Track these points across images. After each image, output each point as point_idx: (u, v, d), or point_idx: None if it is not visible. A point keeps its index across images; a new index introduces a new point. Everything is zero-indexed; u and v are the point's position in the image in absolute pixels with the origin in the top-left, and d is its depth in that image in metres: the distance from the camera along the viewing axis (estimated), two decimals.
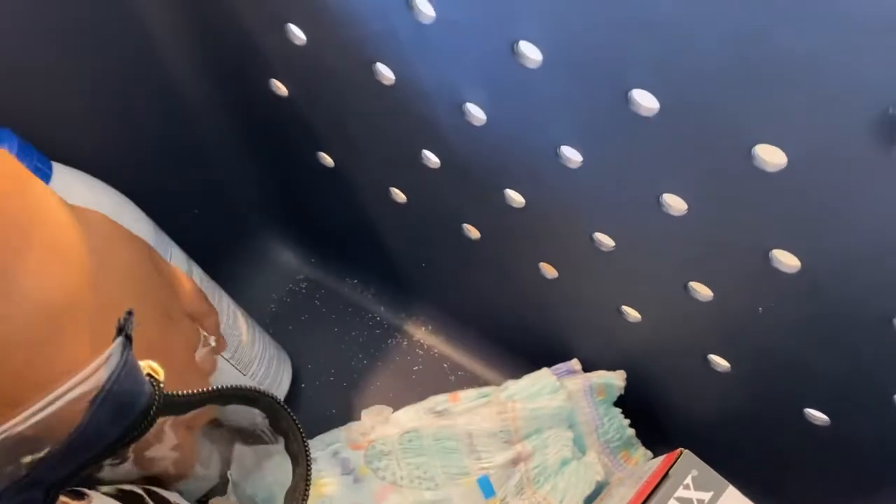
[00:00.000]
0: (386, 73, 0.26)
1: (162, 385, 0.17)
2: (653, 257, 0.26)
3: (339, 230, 0.38)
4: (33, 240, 0.18)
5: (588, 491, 0.30)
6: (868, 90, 0.17)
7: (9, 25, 0.26)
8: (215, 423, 0.24)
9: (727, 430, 0.31)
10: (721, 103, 0.19)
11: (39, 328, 0.18)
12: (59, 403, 0.15)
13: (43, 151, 0.27)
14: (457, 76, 0.24)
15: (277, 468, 0.23)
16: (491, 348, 0.37)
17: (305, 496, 0.22)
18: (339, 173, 0.34)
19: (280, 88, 0.31)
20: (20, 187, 0.18)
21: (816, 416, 0.27)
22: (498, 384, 0.33)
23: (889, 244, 0.20)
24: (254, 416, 0.23)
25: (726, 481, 0.25)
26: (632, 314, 0.29)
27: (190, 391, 0.19)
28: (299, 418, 0.22)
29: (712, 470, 0.25)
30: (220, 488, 0.25)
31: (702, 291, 0.26)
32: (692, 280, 0.26)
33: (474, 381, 0.37)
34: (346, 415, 0.36)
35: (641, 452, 0.33)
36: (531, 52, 0.22)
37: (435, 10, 0.22)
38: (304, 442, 0.22)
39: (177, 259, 0.30)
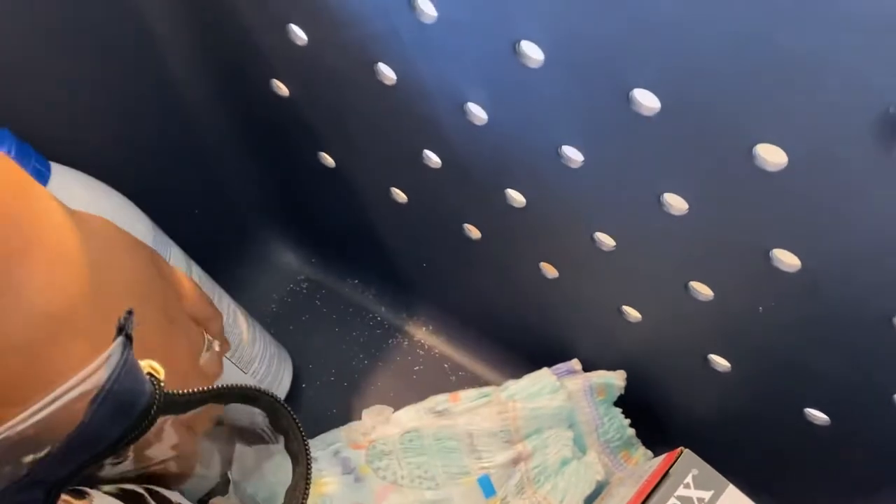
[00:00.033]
0: (387, 72, 0.26)
1: (162, 384, 0.17)
2: (653, 257, 0.26)
3: (339, 230, 0.38)
4: (35, 245, 0.18)
5: (588, 491, 0.30)
6: (869, 90, 0.17)
7: (8, 25, 0.26)
8: (216, 422, 0.24)
9: (727, 430, 0.31)
10: (722, 103, 0.19)
11: (40, 333, 0.18)
12: (59, 403, 0.15)
13: (43, 151, 0.27)
14: (458, 76, 0.24)
15: (278, 467, 0.23)
16: (491, 348, 0.37)
17: (306, 495, 0.22)
18: (340, 173, 0.34)
19: (281, 89, 0.31)
20: (23, 193, 0.18)
21: (816, 415, 0.27)
22: (498, 384, 0.33)
23: (889, 244, 0.20)
24: (254, 415, 0.23)
25: (726, 480, 0.25)
26: (632, 314, 0.29)
27: (190, 390, 0.19)
28: (300, 418, 0.22)
29: (712, 469, 0.25)
30: (221, 488, 0.25)
31: (702, 291, 0.26)
32: (693, 280, 0.26)
33: (475, 381, 0.37)
34: (347, 414, 0.36)
35: (642, 452, 0.33)
36: (532, 52, 0.22)
37: (436, 9, 0.22)
38: (305, 441, 0.22)
39: (176, 259, 0.30)
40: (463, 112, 0.25)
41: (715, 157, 0.21)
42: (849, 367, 0.24)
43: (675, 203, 0.23)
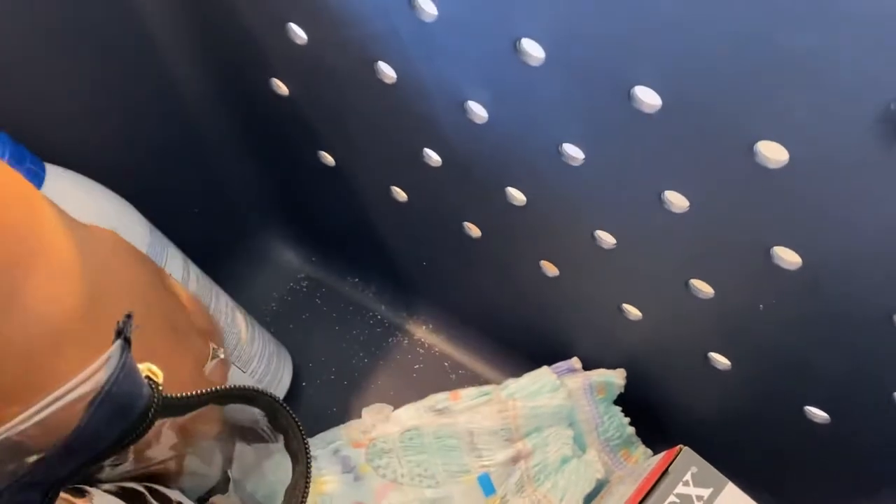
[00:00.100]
0: (387, 71, 0.26)
1: (161, 387, 0.17)
2: (654, 255, 0.26)
3: (339, 229, 0.38)
4: (38, 256, 0.18)
5: (588, 489, 0.30)
6: (870, 87, 0.17)
7: (8, 25, 0.26)
8: (222, 424, 0.24)
9: (727, 428, 0.31)
10: (722, 100, 0.19)
11: (42, 342, 0.18)
12: (58, 404, 0.15)
13: (42, 152, 0.27)
14: (458, 74, 0.24)
15: (278, 466, 0.23)
16: (491, 347, 0.37)
17: (306, 494, 0.22)
18: (340, 172, 0.34)
19: (281, 88, 0.31)
20: (27, 204, 0.18)
21: (817, 414, 0.27)
22: (498, 382, 0.33)
23: (890, 242, 0.20)
24: (254, 414, 0.23)
25: (725, 478, 0.25)
26: (632, 312, 0.29)
27: (188, 393, 0.19)
28: (300, 416, 0.22)
29: (711, 466, 0.25)
30: (222, 486, 0.25)
31: (703, 289, 0.26)
32: (693, 278, 0.26)
33: (475, 380, 0.37)
34: (347, 413, 0.36)
35: (641, 451, 0.33)
36: (533, 50, 0.22)
37: (437, 8, 0.22)
38: (304, 440, 0.22)
39: (173, 259, 0.30)
40: (463, 110, 0.25)
41: (716, 155, 0.21)
42: (849, 365, 0.24)
43: (676, 201, 0.23)
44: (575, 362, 0.33)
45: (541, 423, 0.31)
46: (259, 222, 0.40)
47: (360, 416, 0.33)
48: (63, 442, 0.15)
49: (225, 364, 0.27)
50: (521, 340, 0.36)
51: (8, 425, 0.15)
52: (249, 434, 0.24)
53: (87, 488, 0.19)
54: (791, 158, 0.19)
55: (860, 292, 0.21)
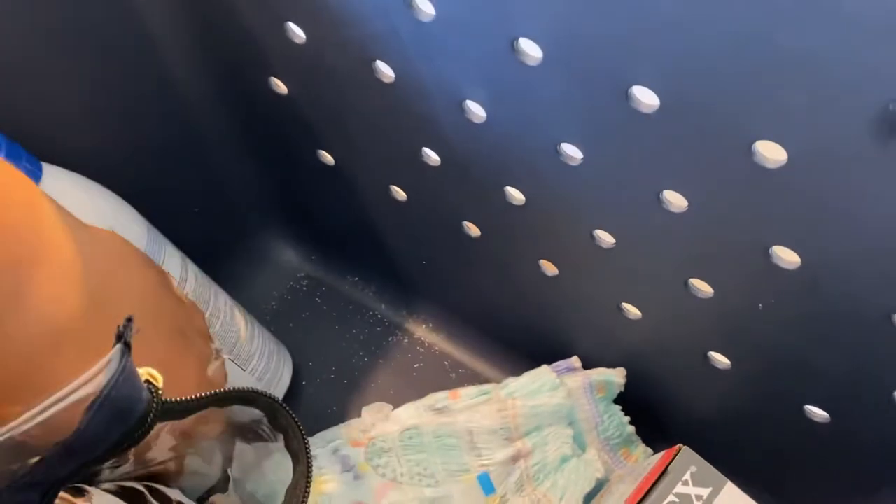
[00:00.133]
0: (386, 70, 0.26)
1: (160, 391, 0.17)
2: (653, 254, 0.26)
3: (339, 228, 0.38)
4: (42, 257, 0.18)
5: (588, 488, 0.30)
6: (868, 86, 0.17)
7: (8, 25, 0.26)
8: (226, 425, 0.24)
9: (727, 428, 0.31)
10: (721, 100, 0.19)
11: (43, 342, 0.18)
12: (59, 406, 0.15)
13: (41, 152, 0.27)
14: (457, 74, 0.24)
15: (277, 466, 0.24)
16: (491, 346, 0.37)
17: (306, 494, 0.22)
18: (340, 171, 0.34)
19: (280, 87, 0.31)
20: (31, 205, 0.18)
21: (816, 413, 0.27)
22: (498, 381, 0.33)
23: (889, 241, 0.20)
24: (254, 414, 0.23)
25: (725, 477, 0.25)
26: (632, 311, 0.29)
27: (188, 397, 0.19)
28: (300, 416, 0.22)
29: (711, 466, 0.25)
30: (222, 485, 0.25)
31: (702, 288, 0.26)
32: (692, 277, 0.26)
33: (475, 379, 0.37)
34: (347, 412, 0.37)
35: (642, 450, 0.33)
36: (531, 50, 0.22)
37: (434, 7, 0.22)
38: (305, 439, 0.22)
39: (171, 257, 0.30)
40: (462, 110, 0.25)
41: (714, 155, 0.21)
42: (849, 364, 0.24)
43: (675, 200, 0.23)
44: (575, 361, 0.33)
45: (540, 421, 0.31)
46: (259, 222, 0.40)
47: (360, 415, 0.33)
48: (63, 444, 0.15)
49: (225, 365, 0.27)
50: (520, 339, 0.36)
51: (10, 426, 0.15)
52: (249, 433, 0.24)
53: (87, 487, 0.19)
54: (790, 158, 0.19)
55: (859, 292, 0.21)
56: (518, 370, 0.33)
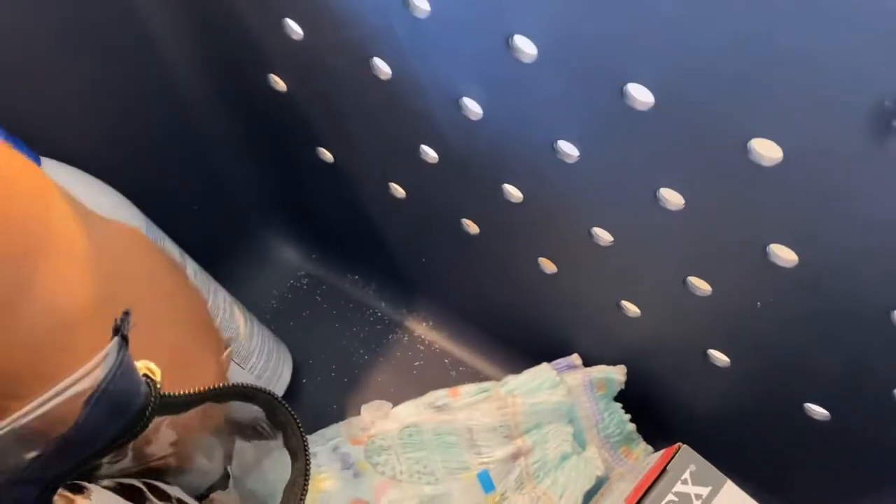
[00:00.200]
0: (383, 67, 0.26)
1: (158, 386, 0.17)
2: (651, 252, 0.26)
3: (339, 226, 0.38)
4: (51, 247, 0.18)
5: (588, 486, 0.30)
6: (864, 83, 0.16)
7: (8, 24, 0.26)
8: (224, 420, 0.24)
9: (728, 426, 0.31)
10: (716, 98, 0.19)
11: (51, 333, 0.18)
12: (56, 401, 0.15)
13: (42, 150, 0.27)
14: (453, 71, 0.24)
15: (278, 464, 0.24)
16: (492, 344, 0.37)
17: (304, 491, 0.22)
18: (339, 169, 0.34)
19: (278, 83, 0.31)
20: (41, 195, 0.18)
21: (816, 411, 0.27)
22: (498, 379, 0.33)
23: (886, 238, 0.19)
24: (253, 411, 0.23)
25: (724, 476, 0.25)
26: (631, 309, 0.29)
27: (186, 391, 0.19)
28: (300, 414, 0.22)
29: (710, 465, 0.25)
30: (222, 483, 0.26)
31: (700, 286, 0.26)
32: (691, 275, 0.25)
33: (475, 377, 0.37)
34: (347, 410, 0.37)
35: (642, 447, 0.33)
36: (526, 47, 0.22)
37: (429, 4, 0.22)
38: (303, 437, 0.22)
39: (170, 254, 0.30)
40: (458, 107, 0.25)
41: (710, 152, 0.20)
42: (848, 362, 0.24)
43: (672, 198, 0.23)
44: (575, 359, 0.33)
45: (540, 419, 0.31)
46: (259, 221, 0.40)
47: (359, 413, 0.33)
48: (61, 438, 0.15)
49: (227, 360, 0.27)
50: (520, 337, 0.36)
51: (9, 419, 0.15)
52: (249, 431, 0.24)
53: (86, 484, 0.19)
54: (785, 156, 0.19)
55: (858, 289, 0.21)
56: (518, 368, 0.33)
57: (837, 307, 0.22)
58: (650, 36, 0.19)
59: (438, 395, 0.32)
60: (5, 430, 0.15)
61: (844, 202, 0.19)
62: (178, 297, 0.23)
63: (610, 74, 0.20)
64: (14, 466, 0.16)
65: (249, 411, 0.23)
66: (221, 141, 0.35)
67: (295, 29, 0.27)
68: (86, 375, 0.16)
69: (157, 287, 0.22)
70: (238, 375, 0.31)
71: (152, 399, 0.17)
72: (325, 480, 0.30)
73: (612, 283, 0.29)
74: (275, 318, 0.39)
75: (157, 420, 0.18)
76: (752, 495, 0.25)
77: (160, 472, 0.23)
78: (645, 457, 0.32)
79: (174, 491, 0.23)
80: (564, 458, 0.31)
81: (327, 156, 0.34)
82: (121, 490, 0.21)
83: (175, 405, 0.19)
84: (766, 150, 0.20)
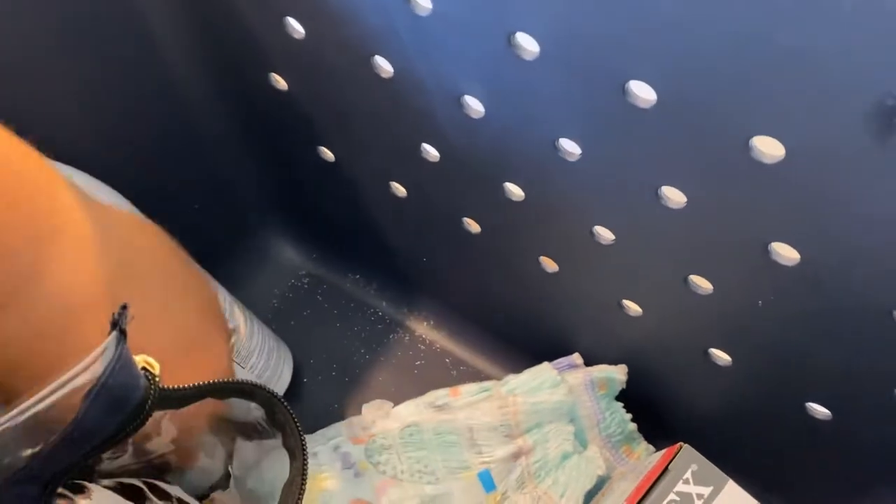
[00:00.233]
0: (384, 66, 0.26)
1: (157, 379, 0.17)
2: (652, 251, 0.26)
3: (340, 225, 0.38)
4: (59, 235, 0.18)
5: (589, 485, 0.30)
6: (866, 81, 0.16)
7: (8, 24, 0.26)
8: (221, 417, 0.24)
9: (729, 425, 0.30)
10: (718, 95, 0.19)
11: (60, 320, 0.18)
12: (55, 396, 0.15)
13: (43, 151, 0.27)
14: (454, 68, 0.24)
15: (278, 463, 0.24)
16: (493, 343, 0.37)
17: (302, 490, 0.22)
18: (340, 168, 0.34)
19: (279, 83, 0.31)
20: (48, 184, 0.18)
21: (818, 410, 0.27)
22: (499, 379, 0.33)
23: (887, 236, 0.19)
24: (252, 410, 0.23)
25: (726, 476, 0.25)
26: (633, 308, 0.29)
27: (185, 385, 0.19)
28: (301, 413, 0.22)
29: (712, 464, 0.25)
30: (222, 482, 0.25)
31: (702, 285, 0.26)
32: (692, 273, 0.25)
33: (476, 376, 0.37)
34: (348, 409, 0.37)
35: (644, 447, 0.33)
36: (528, 44, 0.22)
37: (431, 2, 0.22)
38: (301, 436, 0.22)
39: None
40: (460, 105, 0.25)
41: (711, 150, 0.20)
42: (850, 361, 0.24)
43: (673, 196, 0.23)
44: (576, 358, 0.33)
45: (541, 419, 0.31)
46: (259, 220, 0.40)
47: (360, 413, 0.33)
48: (60, 434, 0.15)
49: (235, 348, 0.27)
50: (521, 336, 0.36)
51: (8, 416, 0.15)
52: (249, 430, 0.24)
53: (87, 484, 0.19)
54: (787, 154, 0.19)
55: (859, 288, 0.21)
56: (519, 367, 0.33)
57: (839, 306, 0.22)
58: (651, 35, 0.19)
59: (439, 395, 0.32)
60: (5, 426, 0.15)
61: (846, 200, 0.19)
62: (185, 278, 0.23)
63: (612, 71, 0.20)
64: (14, 465, 0.16)
65: (248, 409, 0.23)
66: (222, 141, 0.35)
67: (296, 28, 0.27)
68: (85, 370, 0.15)
69: (164, 269, 0.22)
70: (238, 375, 0.31)
71: (151, 392, 0.17)
72: (326, 480, 0.30)
73: (613, 282, 0.29)
74: (275, 317, 0.39)
75: (157, 415, 0.18)
76: (754, 495, 0.25)
77: (161, 471, 0.23)
78: (646, 456, 0.32)
79: (175, 490, 0.23)
80: (565, 457, 0.31)
81: (328, 155, 0.34)
82: (121, 490, 0.21)
83: (174, 399, 0.19)
84: (768, 148, 0.19)
